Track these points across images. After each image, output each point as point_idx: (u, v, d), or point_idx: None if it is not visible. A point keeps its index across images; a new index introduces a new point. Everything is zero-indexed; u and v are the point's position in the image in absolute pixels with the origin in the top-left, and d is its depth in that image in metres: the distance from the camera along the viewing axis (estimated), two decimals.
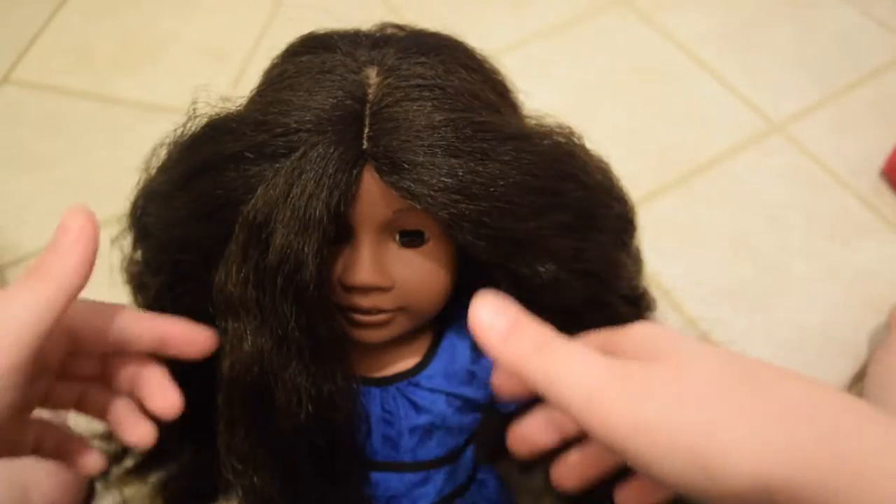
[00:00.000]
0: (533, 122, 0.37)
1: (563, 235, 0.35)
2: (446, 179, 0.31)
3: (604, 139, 0.39)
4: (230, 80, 0.84)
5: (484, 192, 0.31)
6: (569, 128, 0.37)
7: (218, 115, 0.34)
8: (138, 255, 0.40)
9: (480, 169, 0.31)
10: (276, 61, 0.35)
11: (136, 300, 0.42)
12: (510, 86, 0.38)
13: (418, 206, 0.31)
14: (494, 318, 0.25)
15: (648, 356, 0.24)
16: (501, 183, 0.32)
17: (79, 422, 0.53)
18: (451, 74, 0.33)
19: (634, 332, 0.26)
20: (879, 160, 0.78)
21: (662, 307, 0.50)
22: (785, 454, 0.21)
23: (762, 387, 0.23)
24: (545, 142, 0.34)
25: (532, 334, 0.25)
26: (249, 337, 0.32)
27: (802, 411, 0.22)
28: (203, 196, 0.33)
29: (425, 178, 0.30)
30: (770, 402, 0.22)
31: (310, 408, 0.33)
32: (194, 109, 0.35)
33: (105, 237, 0.29)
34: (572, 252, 0.35)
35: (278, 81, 0.33)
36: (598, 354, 0.24)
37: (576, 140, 0.37)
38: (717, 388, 0.23)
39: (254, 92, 0.35)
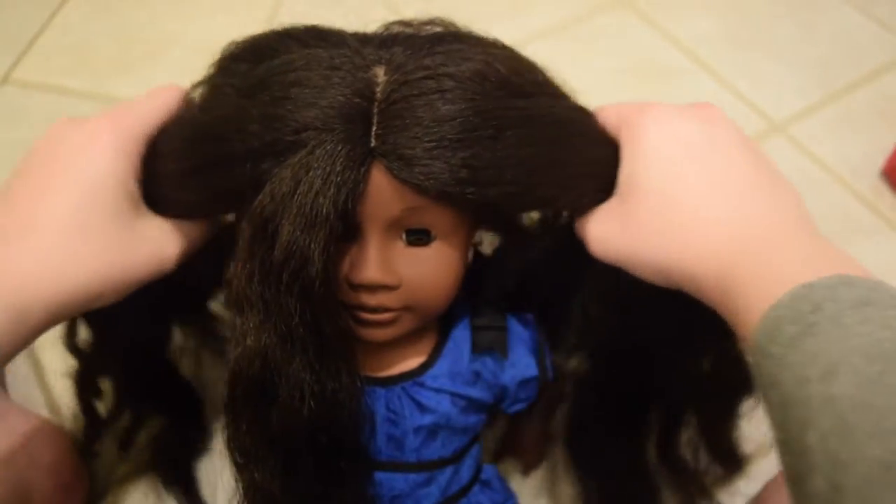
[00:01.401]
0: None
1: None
2: (455, 171, 0.31)
3: None
4: None
5: (496, 179, 0.32)
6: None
7: (220, 91, 0.35)
8: None
9: (490, 156, 0.31)
10: (278, 35, 0.35)
11: None
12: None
13: (431, 200, 0.31)
14: None
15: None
16: (516, 169, 0.32)
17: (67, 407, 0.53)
18: (464, 60, 0.33)
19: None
20: (879, 160, 0.78)
21: None
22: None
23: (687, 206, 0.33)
24: (557, 107, 0.36)
25: None
26: (253, 332, 0.32)
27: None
28: (213, 189, 0.34)
29: (434, 171, 0.31)
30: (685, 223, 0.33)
31: (312, 404, 0.33)
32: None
33: None
34: None
35: (284, 72, 0.32)
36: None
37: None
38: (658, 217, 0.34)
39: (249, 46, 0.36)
